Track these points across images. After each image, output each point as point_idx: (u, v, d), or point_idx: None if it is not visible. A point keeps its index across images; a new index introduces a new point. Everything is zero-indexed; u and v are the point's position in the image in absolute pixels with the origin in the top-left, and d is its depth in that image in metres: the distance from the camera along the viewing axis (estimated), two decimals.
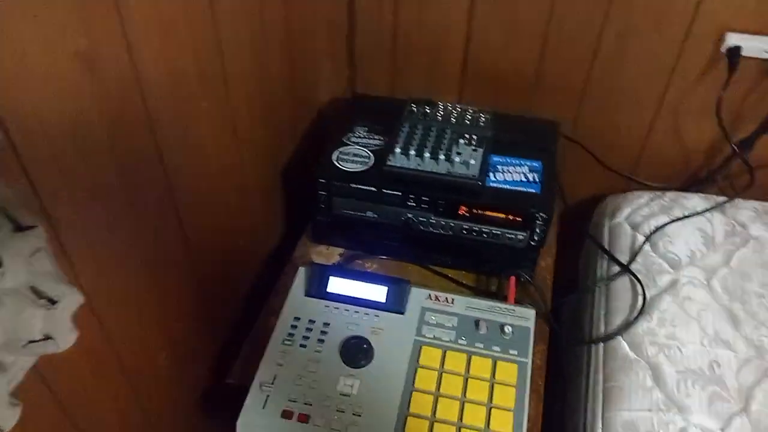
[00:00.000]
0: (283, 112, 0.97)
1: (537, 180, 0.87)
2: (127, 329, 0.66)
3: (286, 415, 0.70)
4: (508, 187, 0.86)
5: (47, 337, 0.47)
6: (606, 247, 0.94)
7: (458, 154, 0.87)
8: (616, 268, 0.90)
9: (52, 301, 0.47)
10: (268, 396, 0.71)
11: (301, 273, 0.83)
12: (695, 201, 0.99)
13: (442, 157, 0.85)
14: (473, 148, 0.88)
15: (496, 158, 0.90)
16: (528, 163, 0.90)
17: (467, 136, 0.90)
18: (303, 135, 1.08)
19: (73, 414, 0.60)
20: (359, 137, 0.94)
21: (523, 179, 0.87)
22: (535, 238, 0.85)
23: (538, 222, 0.83)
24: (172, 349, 0.78)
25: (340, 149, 0.91)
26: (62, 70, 0.49)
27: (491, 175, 0.87)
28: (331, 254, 0.95)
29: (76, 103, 0.52)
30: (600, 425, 0.73)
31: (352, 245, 0.95)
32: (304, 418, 0.69)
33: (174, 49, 0.64)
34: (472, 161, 0.85)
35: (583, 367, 0.82)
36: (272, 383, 0.72)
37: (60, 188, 0.52)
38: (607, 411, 0.73)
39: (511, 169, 0.89)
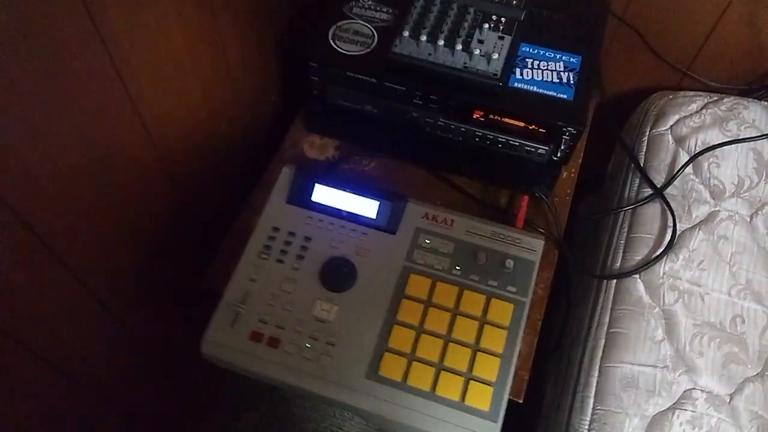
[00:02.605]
0: None
1: (571, 82, 0.72)
2: (87, 237, 0.59)
3: (255, 337, 0.64)
4: (534, 89, 0.71)
5: None
6: (641, 162, 0.82)
7: (480, 42, 0.71)
8: (648, 190, 0.78)
9: None
10: (237, 315, 0.65)
11: (285, 175, 0.73)
12: (757, 112, 0.83)
13: (459, 46, 0.70)
14: (499, 34, 0.72)
15: (526, 48, 0.74)
16: (564, 58, 0.74)
17: (494, 17, 0.73)
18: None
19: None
20: (363, 8, 0.77)
21: (555, 80, 0.72)
22: (559, 154, 0.72)
23: (564, 137, 0.70)
24: (143, 249, 0.71)
25: (339, 24, 0.76)
26: None
27: (517, 71, 0.72)
28: (326, 147, 0.84)
29: None
30: (596, 374, 0.67)
31: (350, 138, 0.83)
32: (274, 343, 0.64)
33: None
34: (495, 55, 0.70)
35: (589, 302, 0.75)
36: (243, 301, 0.66)
37: None
38: (606, 360, 0.67)
39: (542, 64, 0.73)
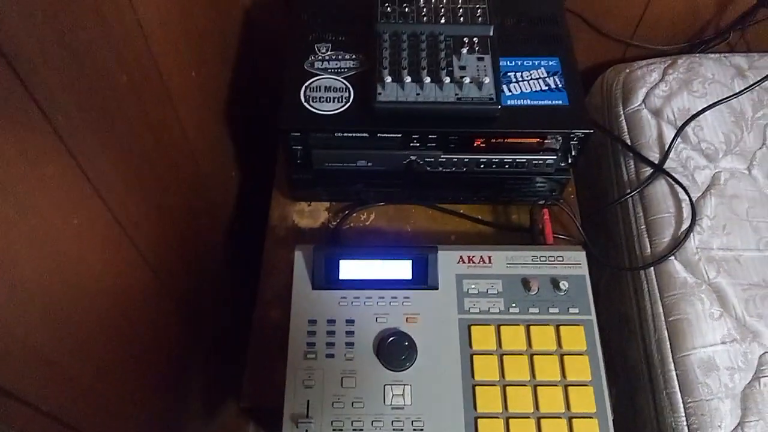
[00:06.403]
0: (206, 24, 0.72)
1: (560, 85, 0.70)
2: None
3: None
4: (529, 102, 0.69)
5: None
6: (628, 142, 0.82)
7: (462, 69, 0.68)
8: (647, 170, 0.79)
9: None
10: (306, 431, 0.58)
11: (300, 259, 0.66)
12: (710, 66, 0.86)
13: (446, 79, 0.66)
14: (477, 55, 0.69)
15: (504, 62, 0.72)
16: (543, 63, 0.72)
17: (466, 40, 0.70)
18: (237, 54, 0.83)
19: None
20: (325, 60, 0.71)
21: (544, 87, 0.70)
22: (569, 160, 0.71)
23: (573, 143, 0.69)
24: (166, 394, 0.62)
25: (307, 83, 0.69)
26: None
27: (505, 89, 0.70)
28: (317, 211, 0.78)
29: None
30: (673, 368, 0.66)
31: (343, 197, 0.77)
32: None
33: None
34: (486, 79, 0.66)
35: (629, 296, 0.74)
36: (307, 414, 0.59)
37: None
38: (678, 350, 0.66)
39: (525, 75, 0.71)
